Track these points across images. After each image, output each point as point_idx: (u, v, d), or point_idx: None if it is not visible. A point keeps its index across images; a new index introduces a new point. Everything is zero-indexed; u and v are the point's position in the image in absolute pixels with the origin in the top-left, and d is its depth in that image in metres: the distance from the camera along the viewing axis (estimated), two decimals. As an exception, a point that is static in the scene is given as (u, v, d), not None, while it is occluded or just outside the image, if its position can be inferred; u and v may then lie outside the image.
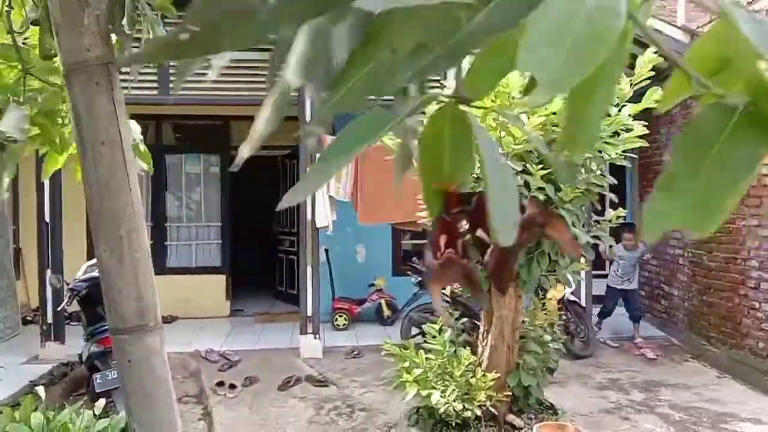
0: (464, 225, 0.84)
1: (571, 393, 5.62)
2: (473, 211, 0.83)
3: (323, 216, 6.62)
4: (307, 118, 6.76)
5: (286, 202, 0.59)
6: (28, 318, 8.08)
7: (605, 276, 9.00)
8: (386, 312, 8.08)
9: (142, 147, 2.07)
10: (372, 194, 6.70)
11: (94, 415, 3.50)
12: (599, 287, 8.52)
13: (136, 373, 1.17)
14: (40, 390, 3.37)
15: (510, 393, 4.51)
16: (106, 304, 1.16)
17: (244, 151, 0.58)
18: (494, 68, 0.64)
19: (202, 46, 0.53)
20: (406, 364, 4.45)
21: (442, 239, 0.82)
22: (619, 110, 3.96)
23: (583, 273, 5.48)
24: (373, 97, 0.61)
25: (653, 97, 3.70)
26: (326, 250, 8.09)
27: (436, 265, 0.80)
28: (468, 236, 0.85)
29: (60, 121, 1.99)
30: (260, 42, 0.54)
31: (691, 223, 0.53)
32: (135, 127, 1.99)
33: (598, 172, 4.19)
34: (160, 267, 8.80)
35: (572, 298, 6.77)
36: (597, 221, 4.55)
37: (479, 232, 0.86)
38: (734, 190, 0.52)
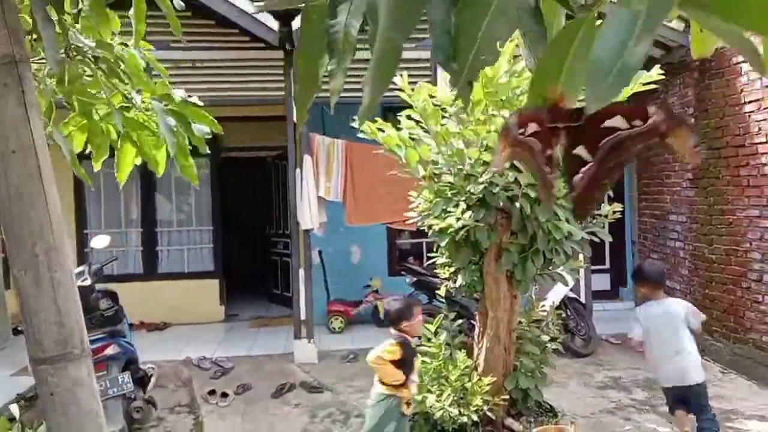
0: (560, 141, 0.83)
1: (572, 393, 5.48)
2: (579, 128, 0.82)
3: (308, 217, 6.47)
4: (294, 118, 6.61)
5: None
6: (19, 328, 7.93)
7: (606, 271, 8.87)
8: (382, 313, 7.92)
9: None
10: (362, 194, 6.56)
11: None
12: (599, 282, 8.39)
13: (59, 407, 1.03)
14: (14, 408, 3.23)
15: (508, 396, 4.37)
16: (25, 330, 1.02)
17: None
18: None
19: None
20: (400, 369, 4.30)
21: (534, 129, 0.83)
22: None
23: (582, 270, 5.34)
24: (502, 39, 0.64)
25: (642, 80, 3.54)
26: (320, 252, 7.95)
27: (516, 138, 0.80)
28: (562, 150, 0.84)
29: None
30: None
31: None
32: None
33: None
34: (152, 273, 8.66)
35: (572, 294, 6.63)
36: (593, 216, 4.39)
37: (580, 149, 0.85)
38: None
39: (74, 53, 1.49)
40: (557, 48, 0.70)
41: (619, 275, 8.87)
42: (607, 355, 6.64)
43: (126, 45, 1.74)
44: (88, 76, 1.64)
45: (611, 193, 4.23)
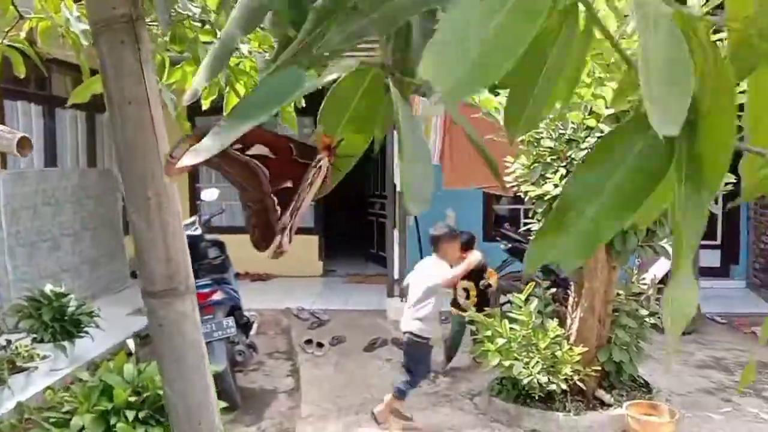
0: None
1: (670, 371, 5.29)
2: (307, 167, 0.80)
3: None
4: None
5: (188, 159, 0.62)
6: (136, 272, 8.60)
7: (717, 247, 8.37)
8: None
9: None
10: (459, 158, 6.52)
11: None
12: (708, 259, 7.94)
13: (167, 338, 1.15)
14: (130, 342, 3.54)
15: (600, 368, 4.30)
16: (138, 267, 1.13)
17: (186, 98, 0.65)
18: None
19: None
20: (489, 333, 4.33)
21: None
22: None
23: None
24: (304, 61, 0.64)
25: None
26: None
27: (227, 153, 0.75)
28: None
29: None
30: None
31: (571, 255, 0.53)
32: None
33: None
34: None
35: (675, 269, 6.32)
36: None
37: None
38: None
39: (182, 17, 1.59)
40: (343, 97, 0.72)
41: (731, 252, 8.34)
42: (711, 335, 6.32)
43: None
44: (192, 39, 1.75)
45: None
